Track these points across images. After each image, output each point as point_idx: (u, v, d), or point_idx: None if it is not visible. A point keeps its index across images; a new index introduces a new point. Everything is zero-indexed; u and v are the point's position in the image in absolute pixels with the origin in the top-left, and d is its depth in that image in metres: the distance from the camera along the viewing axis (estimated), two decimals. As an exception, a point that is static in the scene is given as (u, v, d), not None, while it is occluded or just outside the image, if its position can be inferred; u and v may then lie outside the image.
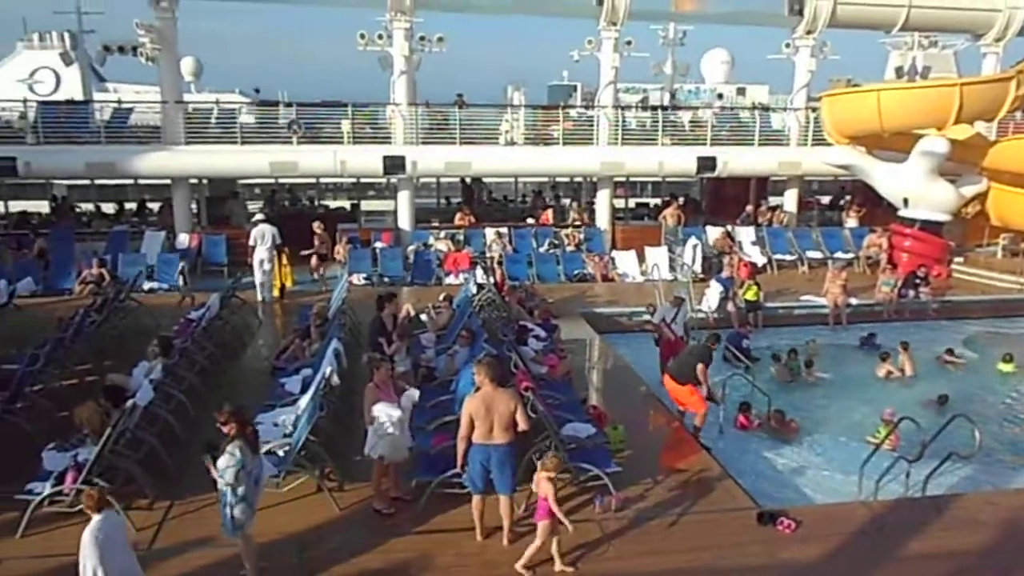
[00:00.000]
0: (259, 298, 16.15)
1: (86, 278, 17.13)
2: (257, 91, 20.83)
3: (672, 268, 19.67)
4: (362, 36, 19.73)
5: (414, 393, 8.05)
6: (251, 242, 16.05)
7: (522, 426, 7.12)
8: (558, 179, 27.94)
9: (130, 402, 8.27)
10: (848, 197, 25.19)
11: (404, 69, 19.94)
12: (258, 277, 16.18)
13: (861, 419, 11.93)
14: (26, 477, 8.01)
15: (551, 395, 9.91)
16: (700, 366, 10.30)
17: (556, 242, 21.11)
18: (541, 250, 20.60)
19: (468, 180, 25.65)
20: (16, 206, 23.93)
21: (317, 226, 18.72)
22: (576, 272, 19.61)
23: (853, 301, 17.11)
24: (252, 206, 24.97)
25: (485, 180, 27.23)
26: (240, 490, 6.34)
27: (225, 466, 6.25)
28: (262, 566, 6.86)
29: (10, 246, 18.88)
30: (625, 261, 20.28)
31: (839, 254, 20.89)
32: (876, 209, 22.41)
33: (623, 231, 22.31)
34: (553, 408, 9.18)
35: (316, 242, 18.46)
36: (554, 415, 8.81)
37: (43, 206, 24.51)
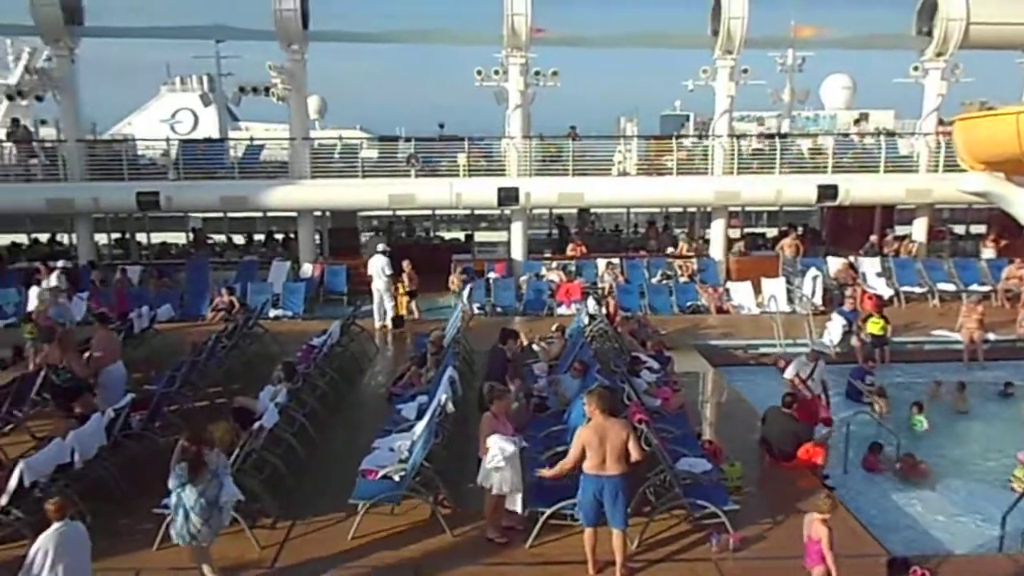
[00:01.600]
0: (377, 325, 16.67)
1: (218, 305, 18.14)
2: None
3: (790, 300, 19.02)
4: (479, 72, 20.24)
5: (508, 447, 7.78)
6: (369, 271, 16.66)
7: (635, 456, 7.02)
8: (671, 209, 27.62)
9: (257, 424, 8.67)
10: (985, 226, 23.73)
11: (519, 103, 20.29)
12: (376, 305, 16.74)
13: (999, 463, 11.10)
14: (162, 492, 8.50)
15: (665, 428, 9.73)
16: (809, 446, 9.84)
17: (669, 273, 20.83)
18: (653, 281, 20.36)
19: (558, 216, 25.68)
20: (157, 237, 25.71)
21: (406, 264, 18.14)
22: (689, 303, 19.26)
23: (991, 337, 16.04)
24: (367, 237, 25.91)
25: (596, 210, 27.24)
26: (188, 504, 6.94)
27: (173, 484, 7.02)
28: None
29: (152, 275, 20.25)
30: (740, 292, 19.76)
31: (975, 286, 19.64)
32: (1016, 240, 20.99)
33: (738, 262, 21.77)
34: (667, 442, 9.00)
35: (406, 280, 18.10)
36: (668, 449, 8.64)
37: (181, 238, 26.22)
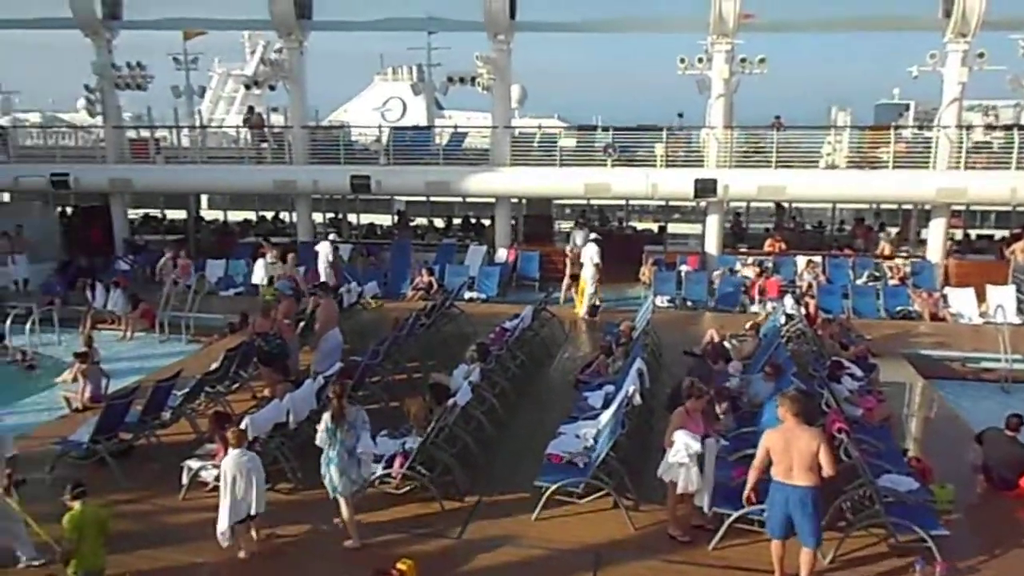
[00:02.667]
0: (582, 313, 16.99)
1: (418, 285, 19.13)
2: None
3: (1021, 311, 17.14)
4: (682, 60, 19.80)
5: (694, 444, 7.57)
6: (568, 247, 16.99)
7: (827, 470, 6.55)
8: (882, 206, 25.71)
9: (451, 401, 9.06)
10: None
11: (722, 91, 19.68)
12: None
13: None
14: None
15: (867, 440, 9.12)
16: None
17: (877, 274, 19.43)
18: (859, 282, 19.08)
19: (735, 210, 24.51)
20: (366, 219, 27.47)
21: (569, 249, 19.17)
22: (899, 308, 17.85)
23: None
24: (564, 225, 26.23)
25: (798, 205, 25.91)
26: (331, 453, 7.51)
27: (320, 439, 7.63)
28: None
29: (361, 253, 21.70)
30: (960, 299, 18.03)
31: None
32: None
33: (959, 265, 19.89)
34: (869, 455, 8.44)
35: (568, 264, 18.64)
36: (869, 462, 8.09)
37: (387, 219, 27.86)
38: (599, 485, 8.24)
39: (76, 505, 6.57)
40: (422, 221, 27.23)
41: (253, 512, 7.52)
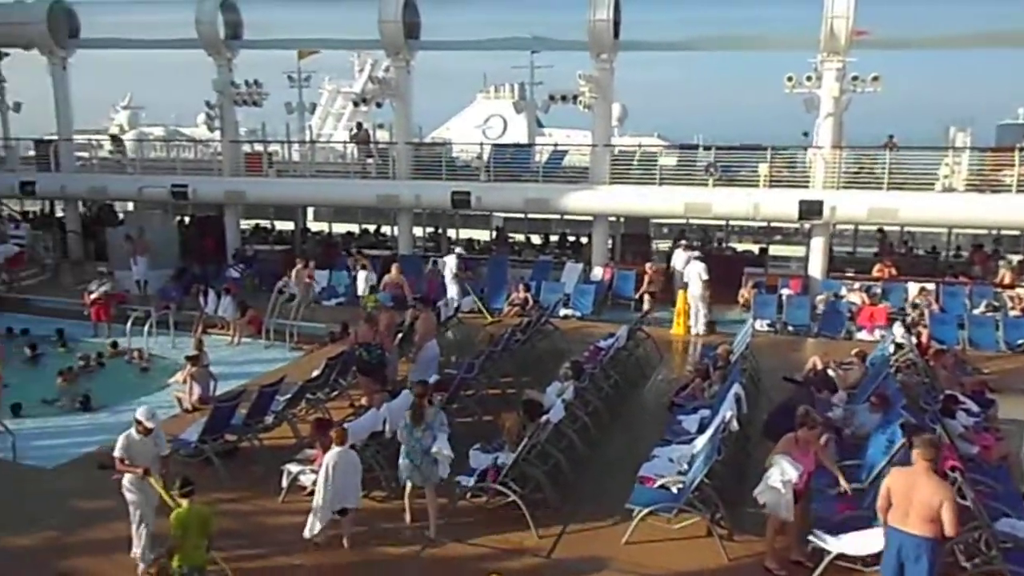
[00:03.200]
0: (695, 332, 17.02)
1: (514, 300, 19.22)
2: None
3: None
4: (789, 78, 19.28)
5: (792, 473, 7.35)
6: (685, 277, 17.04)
7: (948, 529, 6.11)
8: (1003, 232, 24.27)
9: (544, 417, 9.05)
10: None
11: (831, 110, 19.03)
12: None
13: None
14: (458, 468, 9.23)
15: (983, 481, 8.59)
16: None
17: (996, 304, 18.31)
18: (976, 312, 18.03)
19: None
20: (465, 233, 27.88)
21: (649, 267, 19.58)
22: (1020, 341, 16.78)
23: None
24: (662, 245, 25.91)
25: (910, 229, 24.79)
26: (406, 449, 8.22)
27: (400, 427, 8.39)
28: None
29: (459, 268, 21.97)
30: (1092, 334, 16.81)
31: None
32: None
33: (1092, 298, 18.53)
34: (985, 496, 7.94)
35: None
36: (986, 504, 7.61)
37: (485, 235, 28.21)
38: (693, 511, 8.06)
39: (183, 503, 6.88)
40: (519, 237, 27.41)
41: (349, 506, 7.93)
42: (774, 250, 25.63)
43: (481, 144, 24.05)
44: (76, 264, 24.52)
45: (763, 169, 19.76)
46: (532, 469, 8.84)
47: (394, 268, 18.17)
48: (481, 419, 11.32)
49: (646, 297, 19.20)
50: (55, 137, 25.53)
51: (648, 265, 19.83)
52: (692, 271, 17.17)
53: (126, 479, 7.71)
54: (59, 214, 28.18)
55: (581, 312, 19.01)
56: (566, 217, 26.56)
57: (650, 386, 13.96)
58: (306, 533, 7.96)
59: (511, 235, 27.64)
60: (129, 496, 7.68)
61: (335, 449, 7.99)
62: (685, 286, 17.53)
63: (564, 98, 21.48)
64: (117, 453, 7.65)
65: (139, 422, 7.72)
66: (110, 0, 25.16)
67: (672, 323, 17.54)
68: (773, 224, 24.62)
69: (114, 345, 16.86)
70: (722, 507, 8.25)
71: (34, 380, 15.01)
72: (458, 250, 19.24)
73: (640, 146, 25.12)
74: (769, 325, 17.95)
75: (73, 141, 26.14)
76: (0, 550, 7.92)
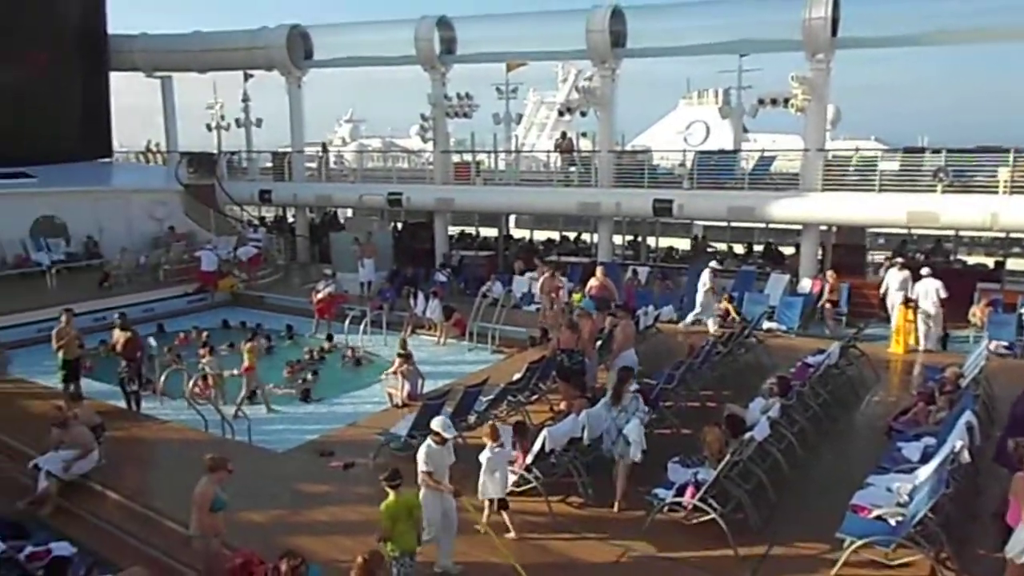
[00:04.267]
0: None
1: (714, 312, 18.62)
2: None
3: None
4: (1035, 73, 17.29)
5: None
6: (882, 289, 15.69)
7: None
8: None
9: (748, 435, 8.70)
10: None
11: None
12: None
13: None
14: (652, 481, 9.10)
15: None
16: None
17: None
18: None
19: None
20: (664, 242, 27.49)
21: (830, 275, 18.68)
22: None
23: None
24: (877, 256, 24.13)
25: None
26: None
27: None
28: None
29: (657, 277, 21.72)
30: None
31: None
32: None
33: None
34: None
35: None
36: None
37: (684, 243, 27.65)
38: (914, 548, 7.41)
39: (391, 494, 7.29)
40: (720, 247, 26.60)
41: (497, 495, 8.53)
42: (1012, 264, 23.04)
43: (684, 151, 23.64)
44: (303, 266, 26.86)
45: (1003, 174, 17.85)
46: (734, 487, 8.53)
47: (598, 271, 18.27)
48: (679, 432, 11.07)
49: (827, 307, 18.26)
50: (289, 150, 28.13)
51: (829, 274, 18.82)
52: (927, 288, 16.07)
53: (424, 493, 7.65)
54: (290, 220, 31.00)
55: (787, 326, 18.10)
56: (771, 226, 25.44)
57: (864, 408, 13.01)
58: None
59: (712, 244, 26.88)
60: (426, 512, 7.57)
61: (489, 446, 8.47)
62: (906, 301, 16.22)
63: (774, 101, 20.60)
64: (423, 468, 7.68)
65: (436, 433, 7.79)
66: (340, 23, 27.30)
67: (889, 340, 16.27)
68: (1012, 235, 22.17)
69: (329, 338, 18.22)
70: (948, 545, 7.53)
71: (267, 370, 16.57)
72: (713, 264, 18.55)
73: (857, 150, 23.54)
74: (1007, 347, 16.15)
75: (304, 153, 28.66)
76: (236, 524, 8.77)
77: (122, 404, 13.38)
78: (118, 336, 13.34)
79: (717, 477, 8.32)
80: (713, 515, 8.11)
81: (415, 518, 7.39)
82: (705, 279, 17.86)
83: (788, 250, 24.29)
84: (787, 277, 20.36)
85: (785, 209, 20.09)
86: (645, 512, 8.64)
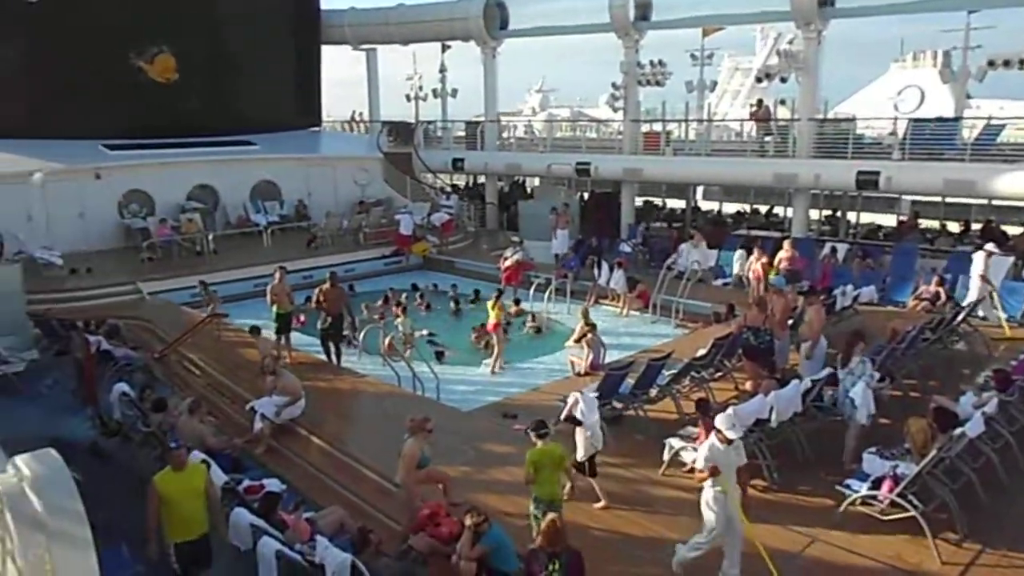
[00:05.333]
0: None
1: (922, 295, 17.19)
2: None
3: None
4: None
5: None
6: None
7: None
8: None
9: (959, 430, 8.00)
10: None
11: None
12: None
13: None
14: (844, 473, 8.62)
15: None
16: None
17: None
18: None
19: None
20: (865, 218, 25.65)
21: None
22: None
23: None
24: None
25: None
26: None
27: None
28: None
29: (856, 255, 20.30)
30: None
31: None
32: None
33: None
34: None
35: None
36: None
37: (889, 220, 25.64)
38: None
39: (538, 443, 7.60)
40: (932, 224, 24.44)
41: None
42: None
43: (895, 119, 21.81)
44: (492, 233, 27.59)
45: None
46: (938, 486, 7.88)
47: (786, 244, 17.40)
48: (876, 420, 10.37)
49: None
50: (482, 119, 28.85)
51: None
52: None
53: (709, 495, 7.09)
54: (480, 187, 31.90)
55: (1009, 314, 16.33)
56: (996, 203, 22.99)
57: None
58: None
59: (921, 220, 24.74)
60: (707, 514, 7.09)
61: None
62: None
63: (1007, 63, 18.48)
64: (701, 465, 7.13)
65: (719, 431, 7.09)
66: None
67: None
68: None
69: (516, 302, 18.61)
70: None
71: (456, 331, 17.28)
72: (989, 246, 15.81)
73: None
74: None
75: (496, 122, 29.30)
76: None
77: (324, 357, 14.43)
78: (324, 292, 14.30)
79: (920, 472, 7.72)
80: (913, 513, 7.56)
81: (563, 469, 7.70)
82: (979, 263, 15.41)
83: (1013, 230, 21.92)
84: (1011, 259, 18.33)
85: (1015, 184, 18.03)
86: (834, 502, 8.21)
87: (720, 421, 7.18)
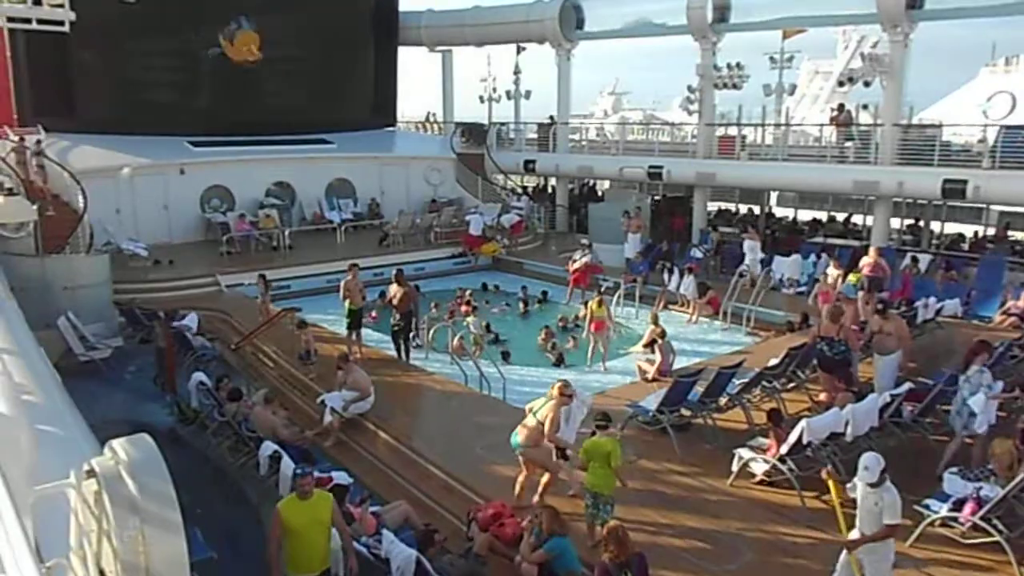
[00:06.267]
0: None
1: (1010, 309, 16.49)
2: None
3: None
4: None
5: None
6: None
7: None
8: None
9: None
10: None
11: None
12: None
13: None
14: (922, 488, 8.31)
15: None
16: None
17: None
18: None
19: None
20: (950, 228, 24.73)
21: None
22: None
23: None
24: None
25: None
26: None
27: None
28: None
29: (939, 266, 19.59)
30: None
31: None
32: None
33: None
34: None
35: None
36: None
37: (976, 230, 24.69)
38: None
39: (597, 434, 7.80)
40: (1021, 235, 23.45)
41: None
42: None
43: (985, 126, 20.95)
44: (561, 235, 27.56)
45: None
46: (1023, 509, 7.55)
47: (872, 250, 16.91)
48: (962, 439, 9.98)
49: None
50: (554, 120, 28.86)
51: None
52: None
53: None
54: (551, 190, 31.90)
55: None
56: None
57: None
58: None
59: (1012, 232, 23.74)
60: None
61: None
62: None
63: (1107, 69, 17.55)
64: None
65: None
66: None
67: None
68: None
69: (586, 305, 18.46)
70: None
71: (523, 332, 17.31)
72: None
73: None
74: None
75: (568, 124, 29.26)
76: (489, 476, 9.32)
77: (394, 353, 14.63)
78: (395, 290, 14.50)
79: (1005, 496, 7.41)
80: (998, 538, 7.25)
81: (613, 463, 7.64)
82: None
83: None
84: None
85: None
86: (912, 522, 7.93)
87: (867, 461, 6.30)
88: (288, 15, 26.95)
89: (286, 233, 22.89)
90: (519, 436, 8.57)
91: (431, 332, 15.38)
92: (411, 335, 14.91)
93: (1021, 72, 36.94)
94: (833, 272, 17.14)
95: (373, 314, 16.50)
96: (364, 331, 15.13)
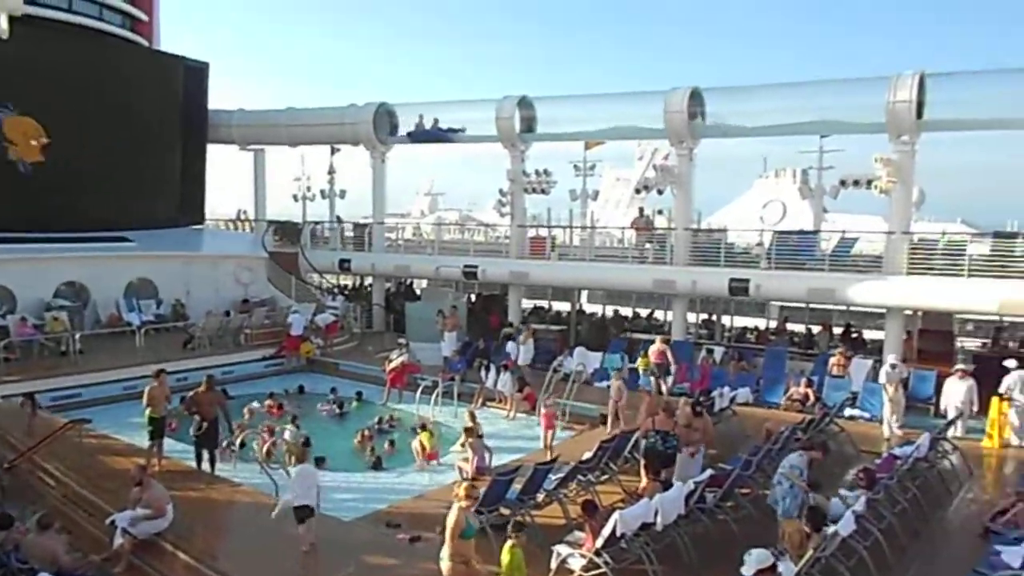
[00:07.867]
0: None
1: (792, 395, 18.05)
2: None
3: None
4: None
5: None
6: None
7: None
8: None
9: (831, 529, 8.29)
10: None
11: None
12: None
13: None
14: (726, 571, 8.67)
15: None
16: None
17: None
18: None
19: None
20: (739, 321, 26.97)
21: None
22: None
23: None
24: (967, 344, 23.14)
25: None
26: None
27: None
28: None
29: (732, 357, 21.24)
30: None
31: None
32: None
33: None
34: None
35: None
36: None
37: (760, 323, 27.08)
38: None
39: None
40: (798, 328, 25.95)
41: None
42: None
43: (762, 231, 23.36)
44: (378, 334, 27.27)
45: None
46: (815, 585, 8.09)
47: (659, 339, 18.19)
48: (755, 520, 10.61)
49: None
50: (370, 220, 28.95)
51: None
52: (1020, 379, 15.16)
53: None
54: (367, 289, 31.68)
55: (871, 414, 17.32)
56: (853, 309, 24.72)
57: (957, 506, 12.26)
58: None
59: (790, 325, 26.24)
60: None
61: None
62: (999, 394, 15.40)
63: (856, 182, 20.30)
64: None
65: None
66: (422, 102, 28.14)
67: (984, 434, 15.42)
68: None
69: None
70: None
71: (337, 436, 16.71)
72: (892, 358, 16.66)
73: (944, 233, 22.82)
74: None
75: (384, 224, 29.45)
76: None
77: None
78: (200, 396, 13.60)
79: (799, 573, 7.90)
80: (793, 614, 7.69)
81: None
82: (882, 376, 16.20)
83: (871, 334, 23.54)
84: (870, 362, 19.60)
85: (868, 292, 19.52)
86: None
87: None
88: (85, 107, 25.43)
89: (76, 337, 21.00)
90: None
91: (239, 440, 14.50)
92: (221, 442, 13.97)
93: (788, 183, 41.84)
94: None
95: (172, 423, 15.28)
96: (166, 441, 14.01)
